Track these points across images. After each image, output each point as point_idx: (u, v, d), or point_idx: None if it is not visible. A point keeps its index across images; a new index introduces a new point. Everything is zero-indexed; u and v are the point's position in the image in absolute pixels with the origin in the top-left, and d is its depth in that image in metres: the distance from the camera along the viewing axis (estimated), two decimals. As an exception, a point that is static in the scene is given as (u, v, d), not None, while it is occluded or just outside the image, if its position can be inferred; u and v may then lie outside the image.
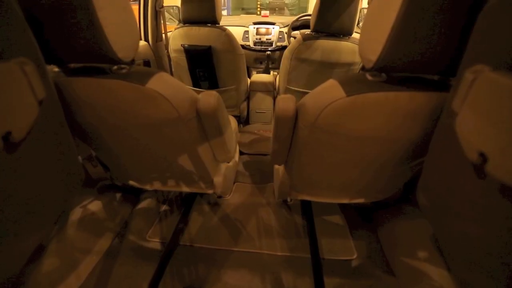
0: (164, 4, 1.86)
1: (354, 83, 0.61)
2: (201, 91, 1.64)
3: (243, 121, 2.02)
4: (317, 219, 1.24)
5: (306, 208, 1.28)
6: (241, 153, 1.72)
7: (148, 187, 1.12)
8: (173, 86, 0.70)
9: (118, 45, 0.59)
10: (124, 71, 0.66)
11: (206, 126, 0.80)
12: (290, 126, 0.76)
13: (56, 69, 0.67)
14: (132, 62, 0.68)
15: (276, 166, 1.13)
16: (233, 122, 1.40)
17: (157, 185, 1.11)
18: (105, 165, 1.07)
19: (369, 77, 0.61)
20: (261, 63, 2.45)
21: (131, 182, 1.12)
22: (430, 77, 0.61)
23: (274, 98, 1.98)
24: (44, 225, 0.59)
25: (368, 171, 0.85)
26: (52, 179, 0.60)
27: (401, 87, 0.58)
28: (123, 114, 0.71)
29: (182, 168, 1.00)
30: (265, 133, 1.94)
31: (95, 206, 1.11)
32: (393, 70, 0.55)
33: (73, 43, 0.58)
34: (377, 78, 0.60)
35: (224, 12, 4.90)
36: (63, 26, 0.56)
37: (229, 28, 2.36)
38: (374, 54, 0.53)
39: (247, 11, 6.27)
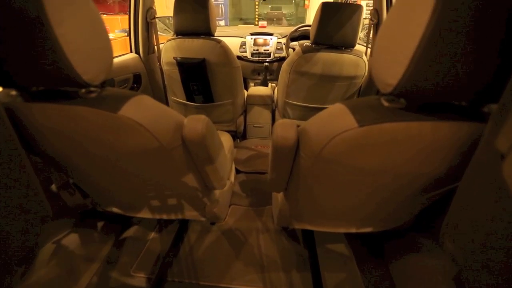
0: (160, 15, 1.79)
1: (367, 110, 0.51)
2: (195, 104, 1.57)
3: (240, 136, 1.91)
4: (320, 248, 1.13)
5: (308, 236, 1.17)
6: (237, 171, 1.61)
7: (133, 215, 1.01)
8: (152, 111, 0.59)
9: (83, 66, 0.49)
10: (93, 95, 0.56)
11: (194, 155, 0.70)
12: (290, 156, 0.66)
13: (14, 93, 0.57)
14: (103, 84, 0.58)
15: (275, 193, 1.03)
16: (227, 141, 1.30)
17: (143, 213, 0.99)
18: (84, 191, 0.96)
19: (385, 103, 0.51)
20: (258, 74, 2.37)
21: (115, 209, 1.00)
22: (457, 103, 0.51)
23: (273, 112, 1.88)
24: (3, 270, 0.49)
25: (379, 201, 0.75)
26: (9, 217, 0.50)
27: (423, 115, 0.49)
28: (95, 144, 0.61)
29: (171, 195, 0.89)
30: (263, 148, 1.83)
31: (71, 239, 0.99)
32: (415, 95, 0.46)
33: (29, 64, 0.48)
34: (394, 104, 0.50)
35: (222, 22, 4.88)
36: (17, 44, 0.46)
37: (225, 39, 2.29)
38: (393, 78, 0.44)
39: (245, 21, 6.28)
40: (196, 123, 0.64)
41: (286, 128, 0.62)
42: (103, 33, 0.54)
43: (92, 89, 0.56)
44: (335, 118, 0.54)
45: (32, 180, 0.57)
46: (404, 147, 0.51)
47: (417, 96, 0.46)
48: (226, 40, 2.27)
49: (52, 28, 0.43)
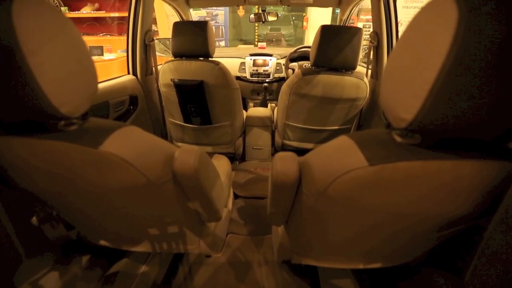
0: (161, 36, 1.80)
1: (377, 145, 0.46)
2: (193, 126, 1.53)
3: (239, 157, 1.86)
4: (325, 284, 1.03)
5: (311, 270, 1.08)
6: (235, 196, 1.54)
7: (122, 248, 0.93)
8: (139, 145, 0.54)
9: (61, 97, 0.44)
10: (74, 127, 0.51)
11: (186, 189, 0.64)
12: (291, 193, 0.60)
13: None
14: (85, 115, 0.53)
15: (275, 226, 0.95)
16: (225, 165, 1.24)
17: (133, 246, 0.91)
18: (69, 223, 0.89)
19: (397, 138, 0.45)
20: (258, 94, 2.35)
21: (103, 242, 0.92)
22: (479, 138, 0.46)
23: (273, 133, 1.84)
24: None
25: (389, 238, 0.68)
26: None
27: (441, 152, 0.43)
28: (77, 179, 0.55)
29: (162, 228, 0.82)
30: (263, 171, 1.77)
31: (52, 277, 0.90)
32: (431, 130, 0.40)
33: (2, 96, 0.43)
34: (408, 140, 0.44)
35: (222, 43, 4.98)
36: None
37: (225, 59, 2.30)
38: (408, 112, 0.39)
39: (245, 42, 6.44)
40: (187, 156, 0.58)
41: (286, 162, 0.56)
42: (86, 59, 0.49)
43: (73, 121, 0.51)
44: (342, 154, 0.49)
45: (2, 219, 0.51)
46: (419, 187, 0.45)
47: (434, 131, 0.40)
48: (225, 61, 2.28)
49: (25, 58, 0.39)
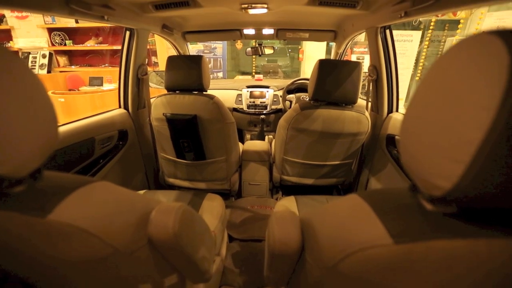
0: (161, 68, 1.77)
1: (401, 214, 0.36)
2: (185, 162, 1.44)
3: (235, 194, 1.74)
4: None
5: None
6: (230, 239, 1.40)
7: None
8: (104, 207, 0.44)
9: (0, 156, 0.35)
10: (20, 188, 0.41)
11: (165, 255, 0.52)
12: (291, 262, 0.48)
13: None
14: (35, 174, 0.43)
15: None
16: (219, 207, 1.13)
17: None
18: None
19: (427, 205, 0.36)
20: (255, 126, 2.30)
21: None
22: None
23: (270, 168, 1.74)
24: None
25: None
26: None
27: (486, 229, 0.33)
28: (26, 252, 0.44)
29: None
30: (260, 209, 1.64)
31: None
32: (474, 201, 0.31)
33: None
34: (443, 208, 0.35)
35: (220, 74, 5.09)
36: None
37: (222, 91, 2.29)
38: (446, 179, 0.29)
39: (244, 73, 6.61)
40: (166, 217, 0.47)
41: (285, 227, 0.45)
42: (40, 104, 0.41)
43: (23, 180, 0.41)
44: (356, 221, 0.39)
45: None
46: (457, 269, 0.35)
47: (479, 202, 0.31)
48: (222, 93, 2.25)
49: None
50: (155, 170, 1.71)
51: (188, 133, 1.32)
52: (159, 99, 1.29)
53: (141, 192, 1.25)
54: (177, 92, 1.30)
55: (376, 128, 1.41)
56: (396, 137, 1.15)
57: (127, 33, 1.31)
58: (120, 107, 1.46)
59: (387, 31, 1.26)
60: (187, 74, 1.26)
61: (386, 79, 1.31)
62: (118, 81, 1.43)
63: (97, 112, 1.34)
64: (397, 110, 1.37)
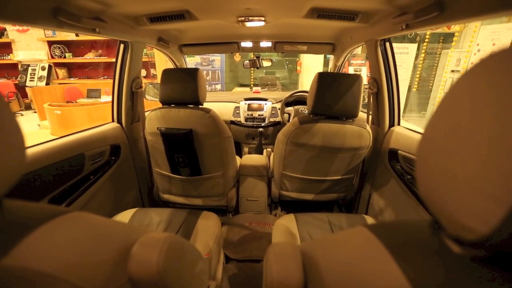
0: (158, 81, 1.74)
1: (421, 256, 0.31)
2: (180, 177, 1.38)
3: (232, 210, 1.67)
4: None
5: None
6: (226, 259, 1.32)
7: None
8: (76, 243, 0.38)
9: None
10: None
11: None
12: None
13: None
14: None
15: None
16: (214, 227, 1.06)
17: None
18: None
19: (454, 247, 0.30)
20: (253, 139, 2.26)
21: None
22: None
23: (269, 182, 1.68)
24: None
25: None
26: None
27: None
28: None
29: None
30: (258, 226, 1.57)
31: None
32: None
33: None
34: (472, 251, 0.29)
35: (218, 86, 5.10)
36: None
37: (219, 104, 2.26)
38: (481, 221, 0.24)
39: (242, 85, 6.66)
40: (149, 252, 0.41)
41: (285, 266, 0.40)
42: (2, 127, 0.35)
43: None
44: (368, 262, 0.33)
45: None
46: None
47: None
48: (219, 105, 2.22)
49: None
50: (149, 186, 1.64)
51: (183, 148, 1.27)
52: (154, 113, 1.24)
53: (133, 210, 1.18)
54: (172, 105, 1.26)
55: (377, 142, 1.36)
56: (410, 155, 1.10)
57: (121, 45, 1.28)
58: (113, 121, 1.42)
59: (387, 44, 1.23)
60: (183, 88, 1.23)
61: (387, 92, 1.28)
62: (111, 94, 1.39)
63: (90, 126, 1.29)
64: (398, 124, 1.34)
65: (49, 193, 0.95)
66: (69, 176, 1.05)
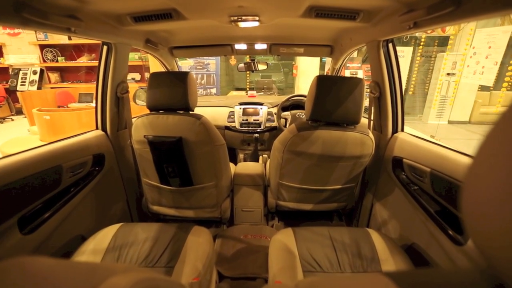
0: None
1: None
2: (171, 188, 1.28)
3: (226, 221, 1.57)
4: None
5: None
6: (220, 277, 1.22)
7: None
8: None
9: None
10: None
11: None
12: None
13: None
14: None
15: None
16: (206, 243, 0.97)
17: None
18: None
19: None
20: (248, 144, 2.17)
21: None
22: None
23: (265, 191, 1.59)
24: None
25: None
26: None
27: None
28: None
29: None
30: (254, 239, 1.47)
31: None
32: None
33: None
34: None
35: (214, 90, 5.01)
36: None
37: (213, 109, 2.17)
38: None
39: (238, 88, 6.59)
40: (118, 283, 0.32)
41: None
42: None
43: None
44: None
45: None
46: None
47: None
48: (213, 110, 2.13)
49: None
50: (137, 197, 1.54)
51: (172, 157, 1.18)
52: (140, 120, 1.15)
53: (117, 225, 1.08)
54: (160, 112, 1.17)
55: (379, 149, 1.28)
56: (418, 164, 1.01)
57: (105, 47, 1.19)
58: (97, 128, 1.32)
59: (390, 45, 1.16)
60: (172, 92, 1.14)
61: (390, 96, 1.21)
62: (95, 100, 1.30)
63: (80, 132, 1.20)
64: (402, 130, 1.26)
65: (18, 211, 0.85)
66: (42, 191, 0.94)
